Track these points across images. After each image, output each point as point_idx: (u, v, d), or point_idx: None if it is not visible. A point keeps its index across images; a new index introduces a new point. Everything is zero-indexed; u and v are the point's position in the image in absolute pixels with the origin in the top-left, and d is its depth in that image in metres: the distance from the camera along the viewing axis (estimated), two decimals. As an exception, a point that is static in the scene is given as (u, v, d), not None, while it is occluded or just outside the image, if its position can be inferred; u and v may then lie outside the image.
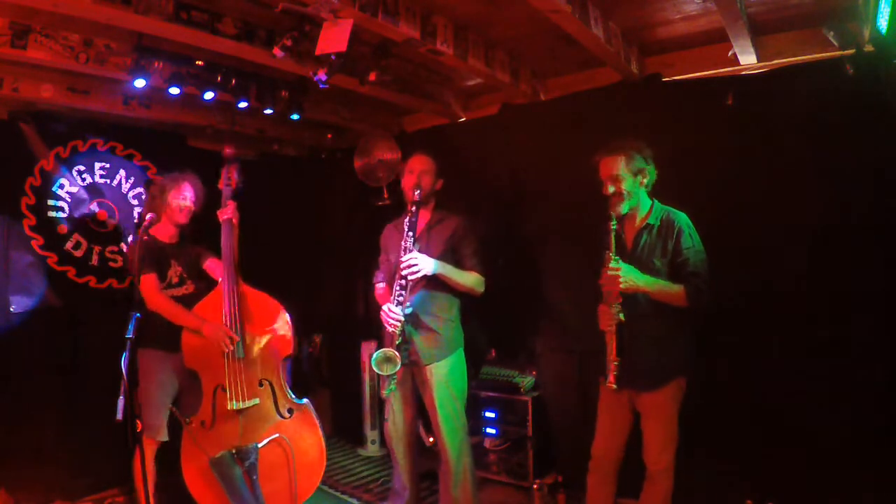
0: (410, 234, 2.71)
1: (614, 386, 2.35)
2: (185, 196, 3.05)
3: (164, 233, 3.08)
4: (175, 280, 3.04)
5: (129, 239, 3.80)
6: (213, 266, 3.13)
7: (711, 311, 2.46)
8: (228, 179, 3.10)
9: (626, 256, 2.42)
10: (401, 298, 2.67)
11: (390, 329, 2.68)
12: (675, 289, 2.35)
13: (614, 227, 2.37)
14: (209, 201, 3.16)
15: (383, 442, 4.35)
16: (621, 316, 2.34)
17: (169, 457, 2.89)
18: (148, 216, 2.77)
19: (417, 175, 2.84)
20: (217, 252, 3.06)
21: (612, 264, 2.32)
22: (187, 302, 2.96)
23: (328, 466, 3.10)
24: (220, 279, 3.03)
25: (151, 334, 2.81)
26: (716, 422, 2.90)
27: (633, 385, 2.45)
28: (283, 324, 3.01)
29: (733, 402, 2.89)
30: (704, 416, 2.88)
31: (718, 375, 2.88)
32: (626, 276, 2.31)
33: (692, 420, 2.74)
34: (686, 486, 2.64)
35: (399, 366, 2.65)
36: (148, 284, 2.88)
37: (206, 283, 3.09)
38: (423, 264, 2.66)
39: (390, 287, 2.82)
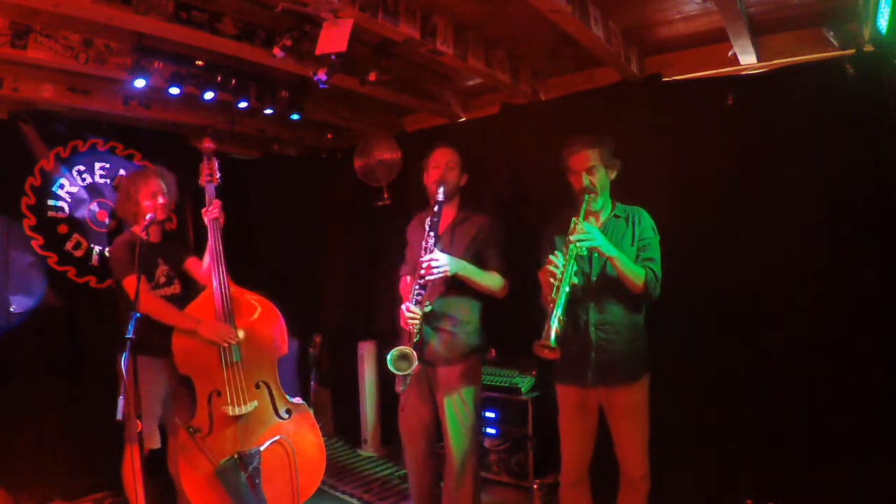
0: (432, 233, 2.63)
1: (553, 344, 2.14)
2: (154, 193, 2.91)
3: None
4: (163, 280, 2.99)
5: (103, 247, 3.71)
6: (194, 266, 3.09)
7: (686, 303, 2.54)
8: (210, 175, 2.99)
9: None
10: (419, 298, 2.62)
11: (407, 328, 2.64)
12: (639, 270, 2.34)
13: (587, 198, 2.37)
14: (197, 199, 3.09)
15: (383, 441, 4.36)
16: (576, 279, 2.27)
17: (157, 460, 2.89)
18: (148, 216, 2.75)
19: (443, 168, 2.77)
20: (197, 252, 3.02)
21: (580, 219, 2.29)
22: (174, 303, 2.90)
23: (328, 466, 3.09)
24: (204, 279, 3.02)
25: (141, 340, 2.61)
26: (715, 422, 2.90)
27: (604, 381, 2.40)
28: (277, 324, 2.99)
29: (733, 402, 2.89)
30: (704, 416, 2.89)
31: (718, 375, 2.88)
32: (602, 240, 2.29)
33: (693, 420, 2.75)
34: (686, 486, 2.65)
35: (415, 364, 2.60)
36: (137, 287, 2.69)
37: (192, 284, 3.06)
38: (443, 265, 2.59)
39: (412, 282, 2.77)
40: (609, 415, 2.47)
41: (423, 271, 2.58)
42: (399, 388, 2.77)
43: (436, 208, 2.67)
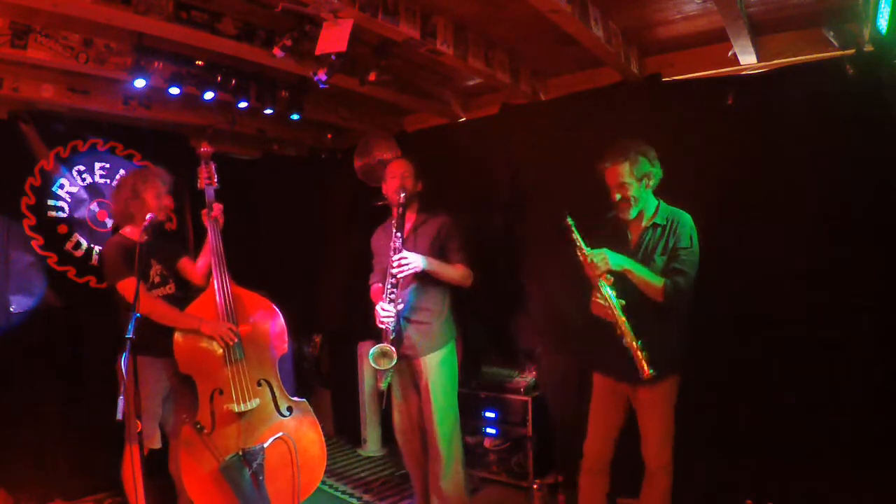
0: (398, 234, 2.84)
1: (651, 372, 2.28)
2: (159, 194, 2.94)
3: (138, 233, 2.81)
4: (157, 280, 2.98)
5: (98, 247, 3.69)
6: (188, 265, 3.09)
7: (697, 312, 2.51)
8: (209, 178, 3.02)
9: (629, 255, 2.45)
10: (393, 296, 2.82)
11: (383, 326, 2.83)
12: (656, 280, 2.37)
13: (572, 222, 2.42)
14: (197, 200, 3.11)
15: (383, 441, 4.36)
16: (622, 301, 2.35)
17: (157, 460, 2.90)
18: (149, 216, 2.74)
19: (401, 178, 2.96)
20: (191, 252, 3.02)
21: (588, 251, 2.36)
22: (169, 303, 2.89)
23: (328, 466, 3.10)
24: (198, 279, 3.04)
25: (141, 341, 2.49)
26: (716, 422, 2.90)
27: (629, 379, 2.45)
28: (278, 323, 3.02)
29: (733, 402, 2.89)
30: (704, 415, 2.89)
31: (718, 375, 2.88)
32: (609, 256, 2.35)
33: (692, 420, 2.75)
34: (686, 485, 2.64)
35: (395, 360, 2.81)
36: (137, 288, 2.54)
37: (187, 284, 3.07)
38: (414, 262, 2.78)
39: (384, 286, 2.90)
40: (636, 409, 2.56)
41: (394, 269, 2.78)
42: (381, 385, 2.97)
43: (400, 210, 2.89)
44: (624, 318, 2.33)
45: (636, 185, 2.44)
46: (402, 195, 2.89)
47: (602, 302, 2.37)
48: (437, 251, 2.95)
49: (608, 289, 2.35)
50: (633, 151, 2.44)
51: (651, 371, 2.28)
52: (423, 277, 2.89)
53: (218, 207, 2.98)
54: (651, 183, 2.48)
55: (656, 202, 2.53)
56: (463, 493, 3.00)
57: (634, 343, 2.31)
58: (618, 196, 2.46)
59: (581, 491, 2.70)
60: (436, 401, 2.92)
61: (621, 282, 2.39)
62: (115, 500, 3.41)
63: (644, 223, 2.52)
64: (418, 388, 3.01)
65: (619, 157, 2.44)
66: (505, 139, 3.76)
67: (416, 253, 2.83)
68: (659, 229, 2.48)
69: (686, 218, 2.48)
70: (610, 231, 2.56)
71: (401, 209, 2.89)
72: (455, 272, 2.94)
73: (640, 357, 2.30)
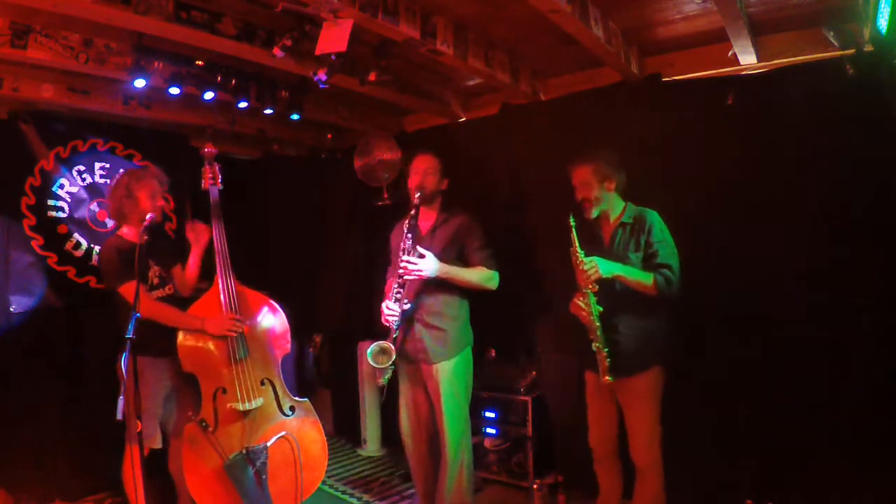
0: (409, 235, 2.78)
1: (609, 378, 2.43)
2: (153, 194, 2.93)
3: (135, 234, 2.88)
4: (156, 281, 2.98)
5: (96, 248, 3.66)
6: (178, 275, 3.09)
7: (687, 303, 2.56)
8: (213, 179, 3.04)
9: (604, 252, 2.55)
10: (398, 296, 2.77)
11: (386, 324, 2.80)
12: (646, 277, 2.46)
13: (573, 223, 2.50)
14: (197, 200, 3.11)
15: (383, 441, 4.36)
16: (600, 308, 2.45)
17: (157, 460, 2.90)
18: (148, 216, 2.73)
19: (422, 175, 2.89)
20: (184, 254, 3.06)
21: (583, 258, 2.44)
22: (169, 304, 2.90)
23: (328, 466, 3.10)
24: (185, 288, 3.06)
25: (142, 341, 2.45)
26: (715, 421, 2.90)
27: (612, 371, 2.50)
28: (281, 323, 3.03)
29: (733, 402, 2.89)
30: (704, 415, 2.89)
31: (718, 375, 2.89)
32: (600, 265, 2.43)
33: (692, 419, 2.75)
34: (685, 485, 2.65)
35: (394, 358, 2.77)
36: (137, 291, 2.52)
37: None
38: (425, 268, 2.70)
39: None
40: (621, 404, 2.62)
41: (401, 271, 2.73)
42: (380, 381, 2.92)
43: (413, 211, 2.83)
44: (598, 325, 2.45)
45: (597, 187, 2.57)
46: (419, 195, 2.83)
47: (582, 305, 2.48)
48: (454, 254, 2.85)
49: (592, 296, 2.46)
50: (596, 156, 2.59)
51: (610, 378, 2.43)
52: (439, 282, 2.79)
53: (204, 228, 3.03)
54: (613, 186, 2.60)
55: (623, 203, 2.65)
56: (466, 498, 2.94)
57: (603, 350, 2.45)
58: (580, 197, 2.60)
59: (599, 479, 2.78)
60: (447, 406, 2.85)
61: (607, 284, 2.48)
62: (115, 500, 3.41)
63: (612, 222, 2.63)
64: (428, 391, 2.95)
65: (582, 161, 2.60)
66: (505, 139, 3.76)
67: (431, 255, 2.74)
68: (628, 227, 2.59)
69: (653, 215, 2.59)
70: (588, 231, 2.63)
71: (414, 210, 2.84)
72: (473, 275, 2.82)
73: (605, 364, 2.44)
